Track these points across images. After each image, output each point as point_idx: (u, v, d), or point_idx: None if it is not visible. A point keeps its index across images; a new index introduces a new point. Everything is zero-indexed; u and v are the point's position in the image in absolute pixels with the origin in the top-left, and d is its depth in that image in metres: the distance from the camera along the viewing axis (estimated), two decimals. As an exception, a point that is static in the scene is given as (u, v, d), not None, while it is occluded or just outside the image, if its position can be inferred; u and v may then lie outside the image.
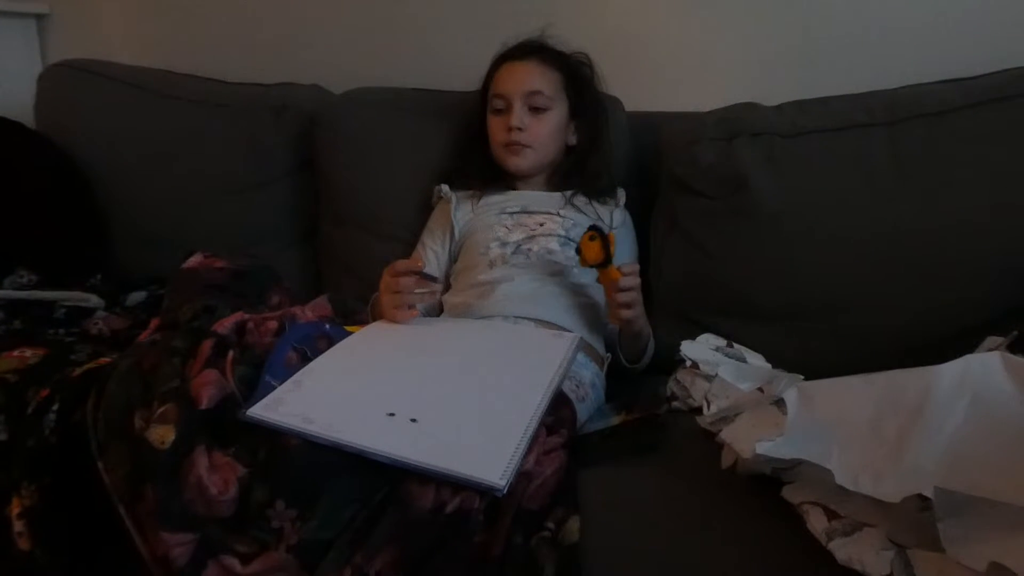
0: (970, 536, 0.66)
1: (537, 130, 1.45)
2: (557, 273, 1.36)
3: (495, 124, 1.48)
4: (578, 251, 1.24)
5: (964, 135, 1.26)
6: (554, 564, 0.80)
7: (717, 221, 1.38)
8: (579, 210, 1.47)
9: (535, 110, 1.45)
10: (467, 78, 1.56)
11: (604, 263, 1.22)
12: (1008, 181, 1.22)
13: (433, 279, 1.31)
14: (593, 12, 1.73)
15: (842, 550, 0.74)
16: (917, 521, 0.71)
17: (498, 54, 1.52)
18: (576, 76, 1.51)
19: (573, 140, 1.52)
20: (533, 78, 1.45)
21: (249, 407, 0.89)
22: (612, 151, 1.53)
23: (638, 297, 1.25)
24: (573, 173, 1.51)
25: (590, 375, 1.26)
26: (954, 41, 1.49)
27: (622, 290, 1.22)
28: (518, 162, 1.47)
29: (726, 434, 0.91)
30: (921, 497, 0.69)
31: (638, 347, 1.35)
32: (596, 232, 1.22)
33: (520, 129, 1.43)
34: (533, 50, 1.49)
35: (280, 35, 2.03)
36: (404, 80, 1.77)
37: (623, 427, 1.09)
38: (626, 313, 1.24)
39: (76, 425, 0.91)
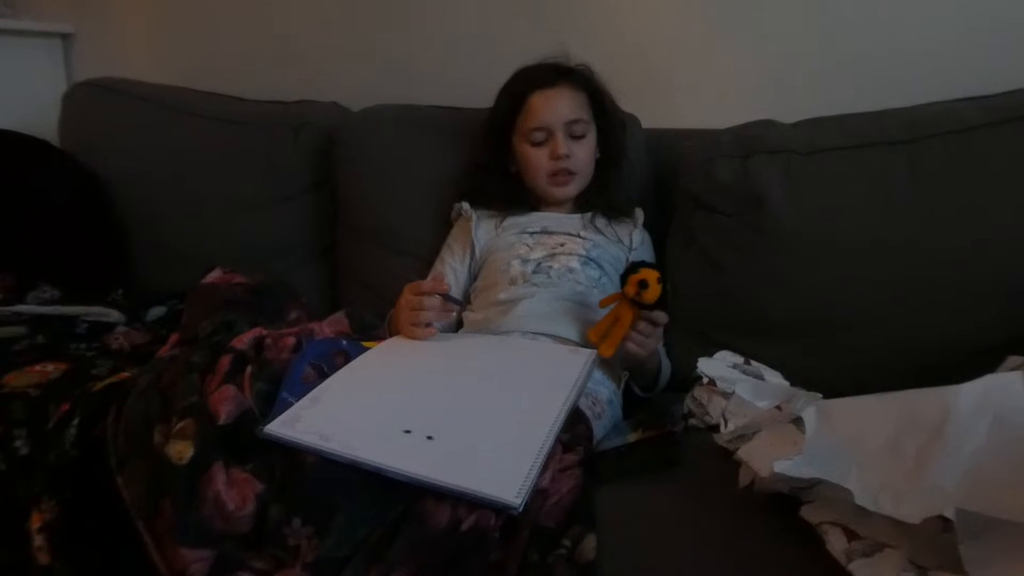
0: (992, 558, 0.66)
1: (580, 156, 1.44)
2: (578, 292, 1.36)
3: (536, 156, 1.44)
4: (642, 284, 1.14)
5: (984, 154, 1.25)
6: (571, 582, 0.80)
7: (734, 238, 1.38)
8: (599, 231, 1.47)
9: (575, 136, 1.44)
10: (485, 95, 1.56)
11: (641, 303, 1.15)
12: (1029, 199, 1.22)
13: (458, 303, 1.30)
14: (610, 30, 1.74)
15: (862, 571, 0.73)
16: (938, 542, 0.70)
17: (520, 80, 1.48)
18: (597, 92, 1.49)
19: (597, 155, 1.51)
20: (570, 105, 1.44)
21: (266, 424, 0.89)
22: (627, 161, 1.52)
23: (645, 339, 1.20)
24: (595, 191, 1.50)
25: (607, 392, 1.25)
26: (974, 59, 1.48)
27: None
28: (568, 191, 1.47)
29: (743, 452, 0.91)
30: (942, 518, 0.68)
31: (645, 378, 1.34)
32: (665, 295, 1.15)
33: (568, 156, 1.42)
34: (560, 74, 1.46)
35: (299, 53, 2.06)
36: (422, 97, 1.78)
37: (639, 444, 1.09)
38: (632, 348, 1.20)
39: (96, 440, 0.92)
